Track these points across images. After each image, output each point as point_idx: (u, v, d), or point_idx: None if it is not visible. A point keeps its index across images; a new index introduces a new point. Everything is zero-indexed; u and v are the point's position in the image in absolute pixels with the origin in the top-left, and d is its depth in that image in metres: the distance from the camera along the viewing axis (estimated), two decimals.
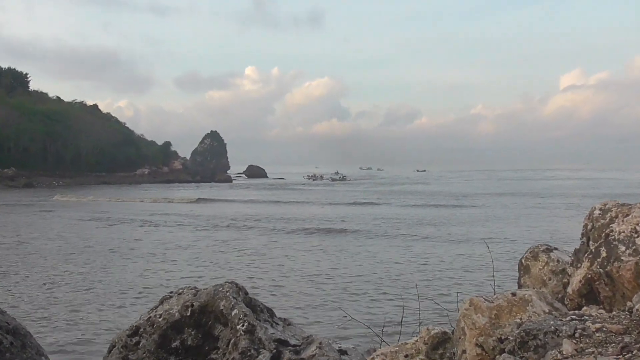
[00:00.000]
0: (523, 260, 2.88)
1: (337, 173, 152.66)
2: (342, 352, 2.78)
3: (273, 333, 2.77)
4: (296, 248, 19.84)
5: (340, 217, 31.93)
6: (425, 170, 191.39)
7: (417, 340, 2.37)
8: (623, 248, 2.12)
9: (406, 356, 2.30)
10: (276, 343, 2.70)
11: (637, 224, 2.13)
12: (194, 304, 2.83)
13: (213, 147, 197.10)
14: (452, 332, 2.33)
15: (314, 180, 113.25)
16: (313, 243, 20.87)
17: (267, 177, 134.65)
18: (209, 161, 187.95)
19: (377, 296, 12.44)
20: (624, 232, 2.15)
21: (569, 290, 2.34)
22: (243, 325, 2.70)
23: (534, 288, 2.54)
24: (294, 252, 18.70)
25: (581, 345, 1.61)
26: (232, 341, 2.70)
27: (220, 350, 2.73)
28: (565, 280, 2.61)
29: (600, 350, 1.55)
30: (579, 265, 2.34)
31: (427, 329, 2.39)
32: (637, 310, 1.86)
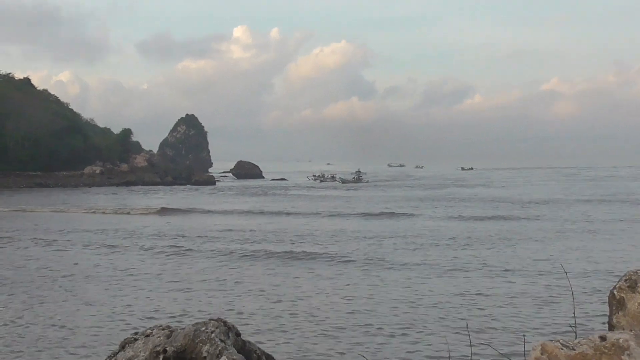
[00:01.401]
0: (616, 292, 2.82)
1: (358, 172, 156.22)
2: None
3: None
4: (299, 275, 20.50)
5: (358, 233, 33.20)
6: (472, 169, 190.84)
7: None
8: None
9: None
10: None
11: None
12: (167, 349, 2.69)
13: (189, 137, 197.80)
14: None
15: (321, 181, 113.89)
16: (320, 271, 21.38)
17: (262, 177, 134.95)
18: (184, 156, 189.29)
19: (413, 338, 12.76)
20: None
21: None
22: None
23: (631, 330, 2.47)
24: (296, 282, 19.33)
25: None
26: None
27: None
28: None
29: None
30: None
31: None
32: None
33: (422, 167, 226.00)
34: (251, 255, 24.96)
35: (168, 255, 25.70)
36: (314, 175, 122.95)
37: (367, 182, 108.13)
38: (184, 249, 27.04)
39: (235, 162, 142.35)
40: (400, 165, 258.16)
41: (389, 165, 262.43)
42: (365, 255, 24.25)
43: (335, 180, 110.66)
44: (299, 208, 53.36)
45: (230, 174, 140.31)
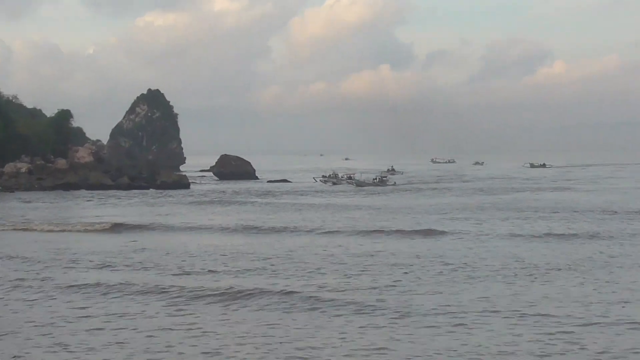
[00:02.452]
0: None
1: (389, 170, 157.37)
2: None
3: None
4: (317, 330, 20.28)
5: (385, 258, 34.34)
6: (544, 165, 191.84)
7: None
8: None
9: None
10: None
11: None
12: None
13: (153, 122, 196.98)
14: None
15: (334, 184, 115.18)
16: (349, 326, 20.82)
17: (255, 177, 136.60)
18: (146, 148, 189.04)
19: None
20: None
21: None
22: None
23: None
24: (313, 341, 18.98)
25: None
26: None
27: None
28: None
29: None
30: None
31: None
32: None
33: (482, 164, 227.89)
34: (249, 295, 25.03)
35: (122, 297, 25.34)
36: (323, 176, 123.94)
37: (394, 184, 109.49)
38: (146, 288, 26.67)
39: (218, 157, 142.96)
40: (449, 162, 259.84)
41: (433, 162, 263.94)
42: (397, 302, 23.88)
43: (352, 183, 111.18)
44: (307, 222, 54.06)
45: (211, 173, 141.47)
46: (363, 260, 33.66)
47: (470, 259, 33.76)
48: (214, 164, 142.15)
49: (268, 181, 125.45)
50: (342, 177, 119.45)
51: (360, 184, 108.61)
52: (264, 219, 57.38)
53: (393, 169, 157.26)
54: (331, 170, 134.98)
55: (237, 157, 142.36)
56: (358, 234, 45.69)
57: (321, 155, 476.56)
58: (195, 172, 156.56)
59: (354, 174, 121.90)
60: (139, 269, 31.80)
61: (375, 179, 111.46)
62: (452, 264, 31.96)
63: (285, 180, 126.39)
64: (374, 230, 47.27)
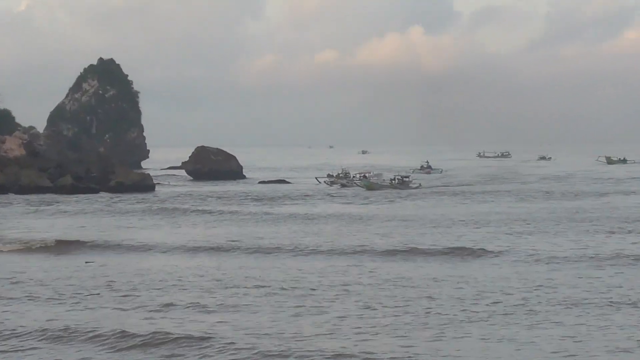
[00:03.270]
0: None
1: (423, 167, 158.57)
2: None
3: None
4: None
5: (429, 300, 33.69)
6: (624, 160, 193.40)
7: None
8: None
9: None
10: None
11: None
12: None
13: (105, 102, 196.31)
14: None
15: (342, 186, 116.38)
16: None
17: (242, 176, 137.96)
18: (96, 137, 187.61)
19: None
20: None
21: None
22: None
23: None
24: None
25: None
26: None
27: None
28: None
29: None
30: None
31: None
32: None
33: (549, 159, 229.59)
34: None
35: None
36: (329, 176, 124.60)
37: (418, 187, 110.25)
38: (98, 341, 26.62)
39: (193, 150, 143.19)
40: (503, 156, 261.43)
41: (480, 156, 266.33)
42: None
43: (360, 185, 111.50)
44: (312, 238, 54.48)
45: (183, 171, 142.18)
46: (385, 295, 33.96)
47: (534, 292, 33.78)
48: (188, 159, 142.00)
49: (259, 182, 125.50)
50: (354, 177, 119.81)
51: (371, 187, 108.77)
52: (250, 233, 57.67)
53: (429, 166, 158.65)
54: (342, 167, 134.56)
55: (218, 149, 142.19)
56: (366, 254, 46.56)
57: (331, 147, 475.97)
58: (163, 169, 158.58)
59: (369, 173, 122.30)
60: (94, 305, 32.40)
61: (393, 179, 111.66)
62: (502, 300, 32.12)
63: (282, 181, 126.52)
64: (390, 251, 47.72)
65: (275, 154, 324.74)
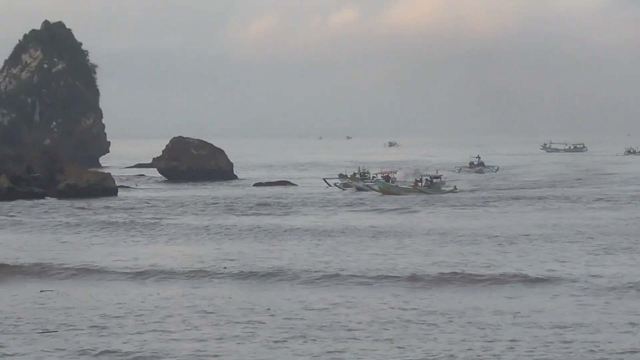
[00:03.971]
0: None
1: (473, 164, 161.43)
2: None
3: None
4: None
5: None
6: None
7: None
8: None
9: None
10: None
11: None
12: None
13: (52, 79, 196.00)
14: None
15: (358, 189, 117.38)
16: None
17: (233, 176, 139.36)
18: (42, 125, 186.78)
19: None
20: None
21: None
22: None
23: None
24: None
25: None
26: None
27: None
28: None
29: None
30: None
31: None
32: None
33: (636, 153, 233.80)
34: None
35: None
36: (341, 177, 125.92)
37: (454, 190, 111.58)
38: None
39: (168, 142, 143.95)
40: (576, 148, 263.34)
41: (546, 149, 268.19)
42: None
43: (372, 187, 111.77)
44: (321, 259, 54.66)
45: (155, 170, 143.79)
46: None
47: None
48: (161, 154, 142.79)
49: (255, 184, 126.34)
50: (374, 177, 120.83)
51: (388, 190, 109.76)
52: (244, 253, 58.19)
53: (480, 162, 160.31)
54: (359, 165, 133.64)
55: (200, 141, 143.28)
56: (392, 282, 46.94)
57: (348, 138, 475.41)
58: (128, 168, 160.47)
59: (395, 172, 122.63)
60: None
61: (420, 180, 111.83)
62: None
63: (284, 183, 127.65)
64: (418, 276, 48.08)
65: (275, 147, 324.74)
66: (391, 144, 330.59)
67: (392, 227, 73.96)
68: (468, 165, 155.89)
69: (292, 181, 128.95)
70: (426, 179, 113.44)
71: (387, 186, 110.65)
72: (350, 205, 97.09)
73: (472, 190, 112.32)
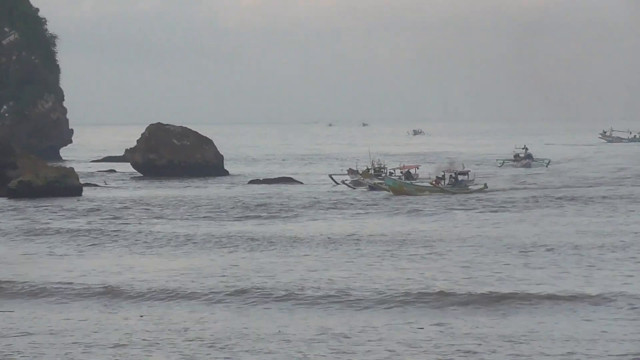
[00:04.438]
0: None
1: (519, 156, 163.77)
2: None
3: None
4: None
5: None
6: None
7: None
8: None
9: None
10: None
11: None
12: None
13: (1, 52, 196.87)
14: None
15: (371, 188, 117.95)
16: None
17: (225, 172, 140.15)
18: None
19: None
20: None
21: None
22: None
23: None
24: None
25: None
26: None
27: None
28: None
29: None
30: None
31: None
32: None
33: None
34: None
35: None
36: (350, 172, 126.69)
37: (484, 187, 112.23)
38: None
39: (144, 129, 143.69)
40: None
41: (605, 138, 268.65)
42: None
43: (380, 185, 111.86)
44: (328, 275, 54.58)
45: (129, 165, 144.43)
46: None
47: None
48: (135, 144, 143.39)
49: (250, 181, 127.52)
50: (391, 172, 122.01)
51: (400, 189, 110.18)
52: (240, 267, 57.95)
53: (528, 155, 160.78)
54: (372, 159, 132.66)
55: (183, 129, 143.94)
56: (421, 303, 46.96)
57: (364, 125, 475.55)
58: (95, 162, 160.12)
59: (418, 167, 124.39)
60: None
61: (442, 177, 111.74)
62: None
63: (287, 180, 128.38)
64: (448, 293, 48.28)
65: (276, 135, 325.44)
66: (416, 133, 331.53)
67: (414, 234, 74.21)
68: (512, 157, 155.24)
69: (296, 178, 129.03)
70: (450, 176, 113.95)
71: (400, 185, 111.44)
72: (364, 207, 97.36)
73: (511, 189, 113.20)
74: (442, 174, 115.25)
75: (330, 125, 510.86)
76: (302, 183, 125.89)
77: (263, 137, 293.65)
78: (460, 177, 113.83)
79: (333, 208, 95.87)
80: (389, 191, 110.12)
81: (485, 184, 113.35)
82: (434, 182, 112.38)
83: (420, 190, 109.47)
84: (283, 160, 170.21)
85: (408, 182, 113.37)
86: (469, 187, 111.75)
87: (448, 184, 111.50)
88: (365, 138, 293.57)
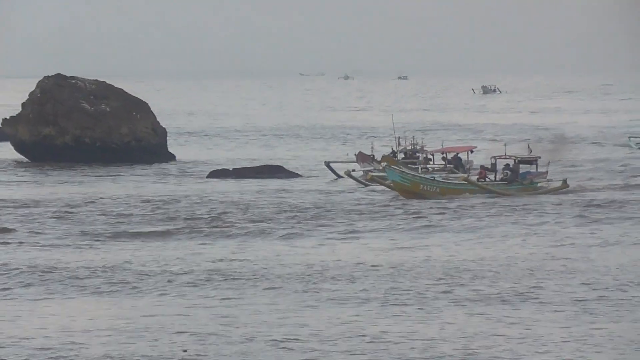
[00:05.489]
0: None
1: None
2: None
3: None
4: None
5: None
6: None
7: None
8: None
9: None
10: None
11: None
12: None
13: None
14: None
15: (365, 184, 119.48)
16: None
17: (168, 156, 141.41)
18: None
19: None
20: None
21: None
22: None
23: None
24: None
25: None
26: None
27: None
28: None
29: None
30: None
31: None
32: None
33: None
34: None
35: None
36: (361, 157, 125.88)
37: (565, 188, 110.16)
38: None
39: (34, 85, 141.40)
40: None
41: None
42: None
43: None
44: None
45: (9, 144, 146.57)
46: None
47: None
48: (20, 108, 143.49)
49: (210, 173, 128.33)
50: (429, 159, 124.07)
51: (414, 188, 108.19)
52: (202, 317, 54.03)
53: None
54: (405, 137, 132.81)
55: (100, 83, 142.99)
56: None
57: (401, 78, 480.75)
58: None
59: (472, 150, 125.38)
60: None
61: (490, 168, 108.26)
62: None
63: (272, 170, 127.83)
64: None
65: (255, 92, 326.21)
66: (487, 90, 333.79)
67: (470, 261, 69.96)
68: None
69: (286, 166, 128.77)
70: (504, 166, 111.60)
71: (413, 181, 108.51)
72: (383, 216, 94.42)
73: (620, 189, 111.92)
74: (493, 161, 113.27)
75: (346, 78, 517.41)
76: (298, 175, 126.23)
77: (233, 96, 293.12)
78: (520, 168, 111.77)
79: (356, 212, 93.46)
80: (401, 190, 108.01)
81: (564, 181, 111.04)
82: (479, 175, 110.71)
83: (452, 191, 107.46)
84: (264, 135, 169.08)
85: (428, 177, 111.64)
86: (538, 184, 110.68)
87: (501, 179, 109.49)
88: (401, 99, 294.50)
